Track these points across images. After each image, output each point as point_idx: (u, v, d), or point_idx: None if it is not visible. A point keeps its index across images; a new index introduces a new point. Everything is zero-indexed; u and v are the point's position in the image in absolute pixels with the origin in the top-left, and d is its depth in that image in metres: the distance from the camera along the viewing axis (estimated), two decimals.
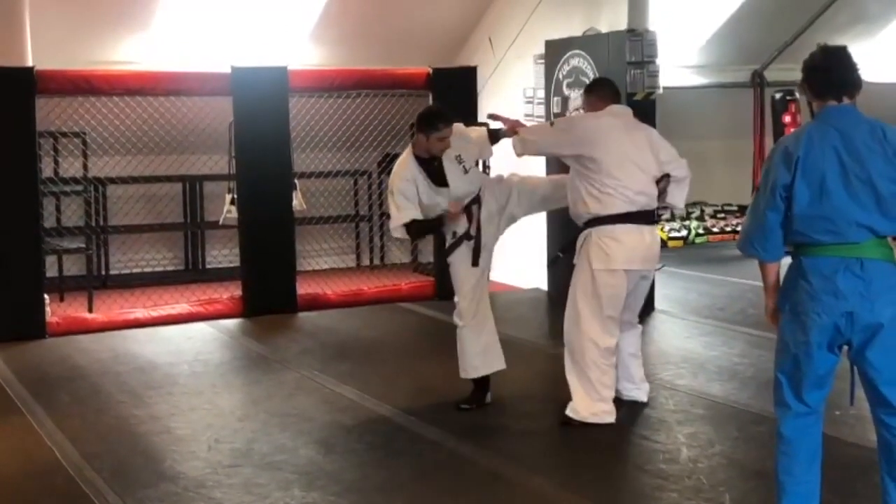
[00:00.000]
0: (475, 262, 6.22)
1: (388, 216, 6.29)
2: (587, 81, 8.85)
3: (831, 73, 3.98)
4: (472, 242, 6.21)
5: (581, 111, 6.33)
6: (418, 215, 6.06)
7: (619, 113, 6.07)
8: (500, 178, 6.44)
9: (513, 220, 6.47)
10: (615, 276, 5.84)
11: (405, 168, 6.10)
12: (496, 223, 6.33)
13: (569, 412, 5.95)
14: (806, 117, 12.33)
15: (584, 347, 5.89)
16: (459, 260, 6.26)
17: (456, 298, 6.31)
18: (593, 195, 5.80)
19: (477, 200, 6.25)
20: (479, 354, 6.30)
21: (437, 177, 6.08)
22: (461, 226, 6.21)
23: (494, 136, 6.35)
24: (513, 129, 6.13)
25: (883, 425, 3.98)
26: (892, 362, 3.91)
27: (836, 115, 3.96)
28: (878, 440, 4.04)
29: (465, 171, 6.15)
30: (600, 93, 6.16)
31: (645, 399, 6.30)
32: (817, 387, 4.00)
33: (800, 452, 4.03)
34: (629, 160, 5.82)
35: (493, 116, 6.42)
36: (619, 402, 6.10)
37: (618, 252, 5.80)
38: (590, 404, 5.92)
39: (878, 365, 3.91)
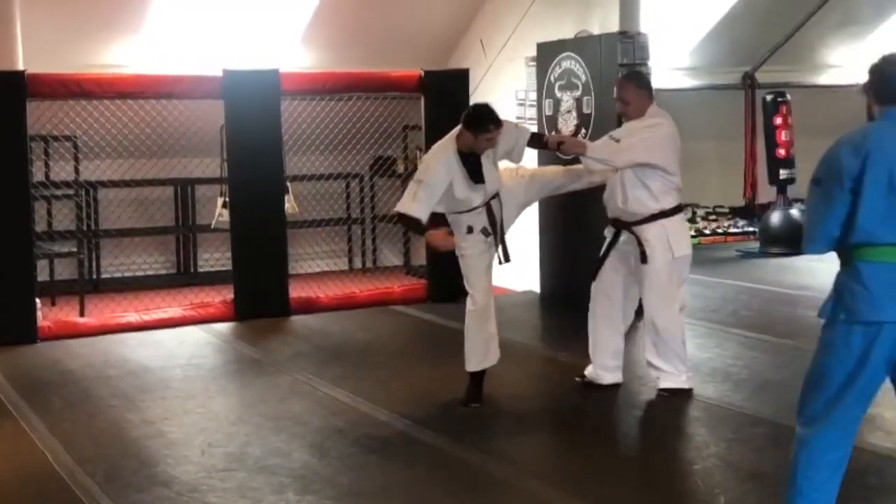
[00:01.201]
0: (507, 258, 6.35)
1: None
2: (579, 84, 8.93)
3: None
4: (489, 238, 6.26)
5: (616, 97, 6.49)
6: (425, 217, 6.07)
7: (663, 113, 6.42)
8: (512, 172, 6.51)
9: (524, 209, 6.69)
10: (687, 258, 6.44)
11: (445, 162, 6.07)
12: (510, 217, 6.43)
13: (670, 384, 6.41)
14: (797, 118, 12.38)
15: (677, 326, 6.42)
16: (475, 254, 6.29)
17: (471, 290, 6.33)
18: (666, 192, 6.29)
19: (496, 195, 6.31)
20: (484, 347, 6.35)
21: (475, 173, 6.11)
22: (479, 222, 6.25)
23: (537, 142, 6.47)
24: (573, 150, 6.37)
25: None
26: None
27: None
28: None
29: (496, 168, 6.24)
30: (650, 89, 6.43)
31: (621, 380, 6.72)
32: (866, 399, 3.83)
33: (828, 465, 3.88)
34: (678, 159, 6.38)
35: (559, 141, 6.48)
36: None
37: (687, 237, 6.52)
38: (682, 372, 6.44)
39: None
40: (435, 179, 6.03)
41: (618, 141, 6.23)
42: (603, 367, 6.62)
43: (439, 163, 6.08)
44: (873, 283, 3.72)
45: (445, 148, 6.15)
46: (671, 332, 6.38)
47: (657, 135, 6.26)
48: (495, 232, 6.27)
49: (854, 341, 3.75)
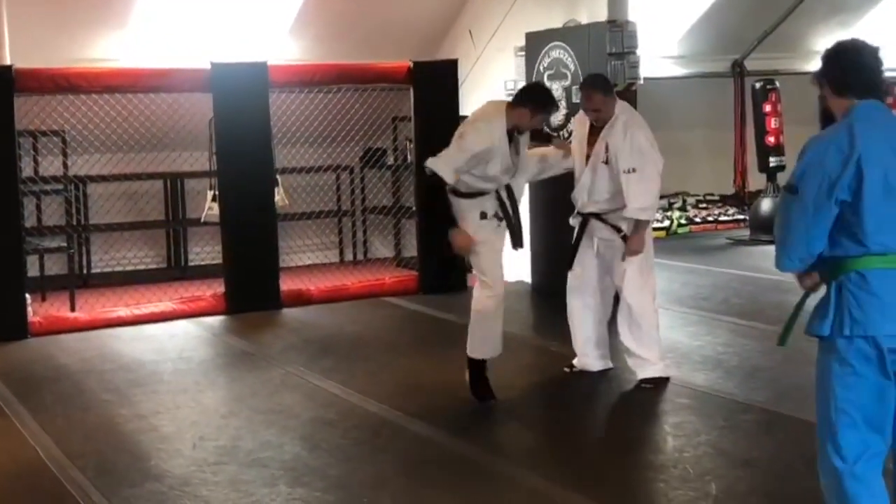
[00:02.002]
0: (518, 245, 6.22)
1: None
2: (568, 73, 8.92)
3: (863, 72, 3.57)
4: (502, 223, 6.11)
5: (588, 108, 6.50)
6: (452, 180, 5.86)
7: (624, 106, 6.52)
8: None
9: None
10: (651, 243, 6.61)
11: (494, 133, 5.84)
12: (520, 194, 6.33)
13: (650, 374, 6.41)
14: (787, 106, 12.38)
15: (651, 309, 6.46)
16: (489, 240, 6.11)
17: (486, 279, 6.16)
18: None
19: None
20: (498, 337, 6.24)
21: (514, 153, 6.01)
22: (491, 206, 6.08)
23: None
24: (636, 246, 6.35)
25: None
26: None
27: (874, 112, 3.51)
28: None
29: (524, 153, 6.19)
30: (612, 89, 6.55)
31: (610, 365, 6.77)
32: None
33: (879, 494, 3.50)
34: None
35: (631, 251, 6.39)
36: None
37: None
38: (659, 360, 6.47)
39: None
40: (478, 148, 5.80)
41: (634, 171, 6.25)
42: (589, 357, 6.70)
43: (488, 130, 5.83)
44: (885, 291, 3.40)
45: (494, 118, 5.89)
46: (645, 314, 6.41)
47: (645, 135, 6.33)
48: (508, 216, 6.10)
49: (875, 356, 3.41)
